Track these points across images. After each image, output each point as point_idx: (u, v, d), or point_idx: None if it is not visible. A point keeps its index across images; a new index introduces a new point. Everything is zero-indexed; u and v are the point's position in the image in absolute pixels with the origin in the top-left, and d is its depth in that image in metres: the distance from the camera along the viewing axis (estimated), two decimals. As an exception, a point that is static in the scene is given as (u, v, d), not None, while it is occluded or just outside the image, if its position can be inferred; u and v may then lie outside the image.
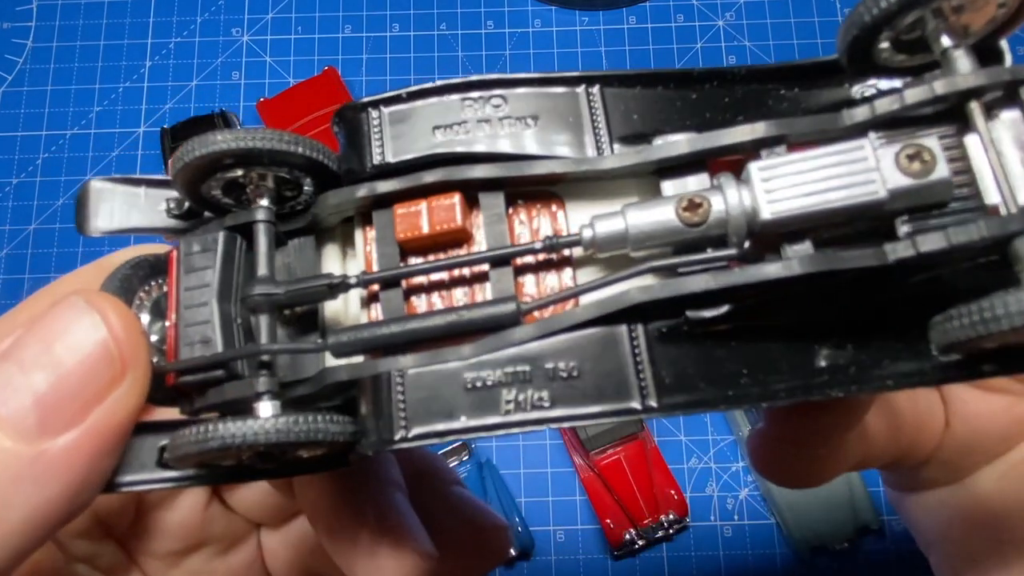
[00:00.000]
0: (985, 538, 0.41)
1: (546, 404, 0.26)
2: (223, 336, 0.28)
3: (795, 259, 0.25)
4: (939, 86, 0.25)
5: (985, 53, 0.26)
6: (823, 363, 0.27)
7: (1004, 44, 0.27)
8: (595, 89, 0.29)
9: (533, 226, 0.30)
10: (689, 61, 0.96)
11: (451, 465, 0.79)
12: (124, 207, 0.32)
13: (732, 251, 0.26)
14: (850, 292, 0.27)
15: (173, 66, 0.97)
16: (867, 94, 0.29)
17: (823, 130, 0.26)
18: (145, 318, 0.30)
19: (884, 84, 0.29)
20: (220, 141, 0.27)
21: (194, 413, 0.30)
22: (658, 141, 0.28)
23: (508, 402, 0.26)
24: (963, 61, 0.25)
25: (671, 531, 0.78)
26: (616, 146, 0.29)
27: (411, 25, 0.98)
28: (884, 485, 0.49)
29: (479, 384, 0.27)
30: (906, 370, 0.27)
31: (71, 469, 0.25)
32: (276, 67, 0.97)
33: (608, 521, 0.78)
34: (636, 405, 0.26)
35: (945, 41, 0.26)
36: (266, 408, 0.27)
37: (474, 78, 0.29)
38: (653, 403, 0.26)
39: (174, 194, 0.32)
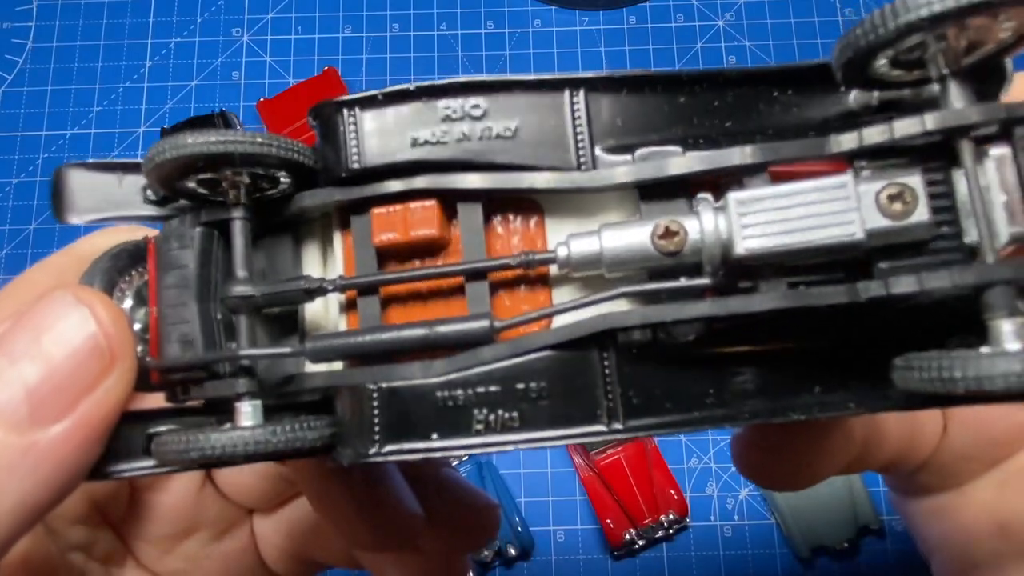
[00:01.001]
0: (985, 546, 0.40)
1: (516, 425, 0.27)
2: (203, 337, 0.28)
3: (768, 293, 0.26)
4: (930, 121, 0.24)
5: (988, 71, 0.26)
6: (788, 385, 0.28)
7: (1008, 63, 0.26)
8: (579, 94, 0.28)
9: (511, 239, 0.30)
10: (689, 61, 0.96)
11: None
12: (100, 194, 0.31)
13: (706, 280, 0.26)
14: (821, 320, 0.27)
15: (173, 66, 0.97)
16: (865, 103, 0.28)
17: (809, 155, 0.26)
18: (128, 303, 0.30)
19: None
20: (191, 144, 0.26)
21: (179, 402, 0.30)
22: (642, 151, 0.28)
23: (479, 422, 0.27)
24: (958, 92, 0.25)
25: (671, 531, 0.78)
26: (599, 153, 0.28)
27: (411, 25, 0.98)
28: (887, 488, 0.49)
29: (451, 403, 0.27)
30: (872, 395, 0.27)
31: (61, 458, 0.26)
32: (276, 67, 0.97)
33: (608, 521, 0.78)
34: (602, 427, 0.27)
35: (943, 66, 0.25)
36: (246, 410, 0.28)
37: (453, 81, 0.28)
38: (619, 425, 0.27)
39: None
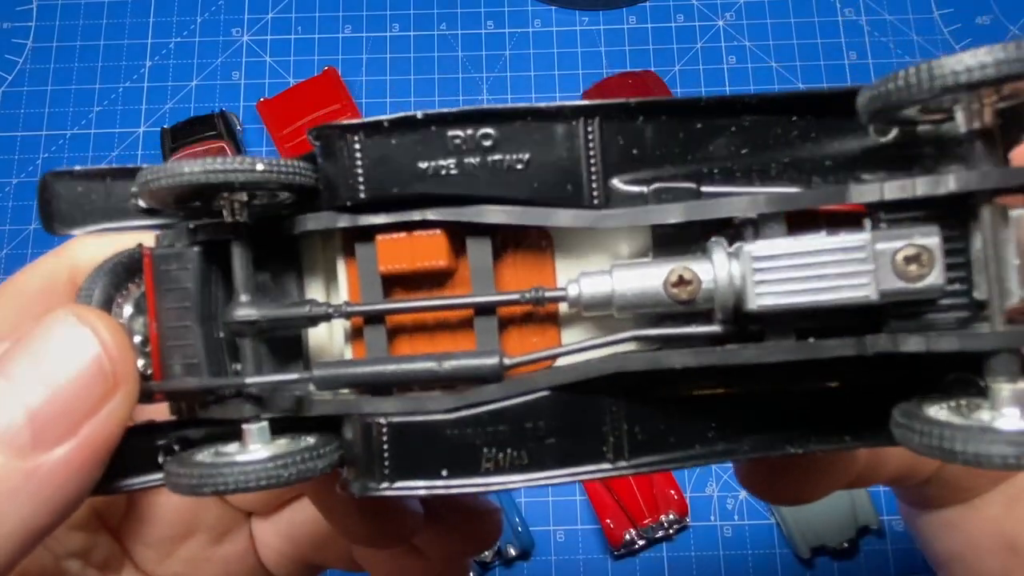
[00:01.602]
0: (994, 563, 0.40)
1: (524, 463, 0.27)
2: (208, 360, 0.28)
3: (777, 344, 0.26)
4: (953, 182, 0.24)
5: (1014, 115, 0.25)
6: (786, 420, 0.28)
7: None
8: (594, 123, 0.27)
9: (520, 271, 0.29)
10: (689, 61, 0.96)
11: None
12: (89, 203, 0.30)
13: (716, 329, 0.26)
14: (824, 364, 0.27)
15: (173, 66, 0.97)
16: (883, 133, 0.27)
17: (828, 203, 0.26)
18: (128, 310, 0.30)
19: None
20: (188, 174, 0.25)
21: (184, 416, 0.30)
22: (656, 186, 0.27)
23: (488, 460, 0.27)
24: (983, 150, 0.24)
25: (671, 531, 0.78)
26: (614, 183, 0.27)
27: (411, 25, 0.98)
28: (897, 500, 0.49)
29: (460, 442, 0.27)
30: (868, 430, 0.28)
31: (64, 481, 0.25)
32: (276, 67, 0.97)
33: (608, 521, 0.78)
34: (608, 465, 0.28)
35: (972, 121, 0.24)
36: (253, 431, 0.27)
37: (463, 109, 0.27)
38: (624, 462, 0.28)
39: None
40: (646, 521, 0.77)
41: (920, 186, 0.24)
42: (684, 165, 0.27)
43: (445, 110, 0.26)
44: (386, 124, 0.27)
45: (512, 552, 0.77)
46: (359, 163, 0.27)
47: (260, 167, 0.26)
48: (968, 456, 0.22)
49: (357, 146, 0.27)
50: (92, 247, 0.33)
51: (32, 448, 0.25)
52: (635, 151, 0.27)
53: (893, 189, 0.24)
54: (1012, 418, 0.23)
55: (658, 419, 0.28)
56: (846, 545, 0.77)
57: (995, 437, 0.22)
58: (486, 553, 0.76)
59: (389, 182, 0.27)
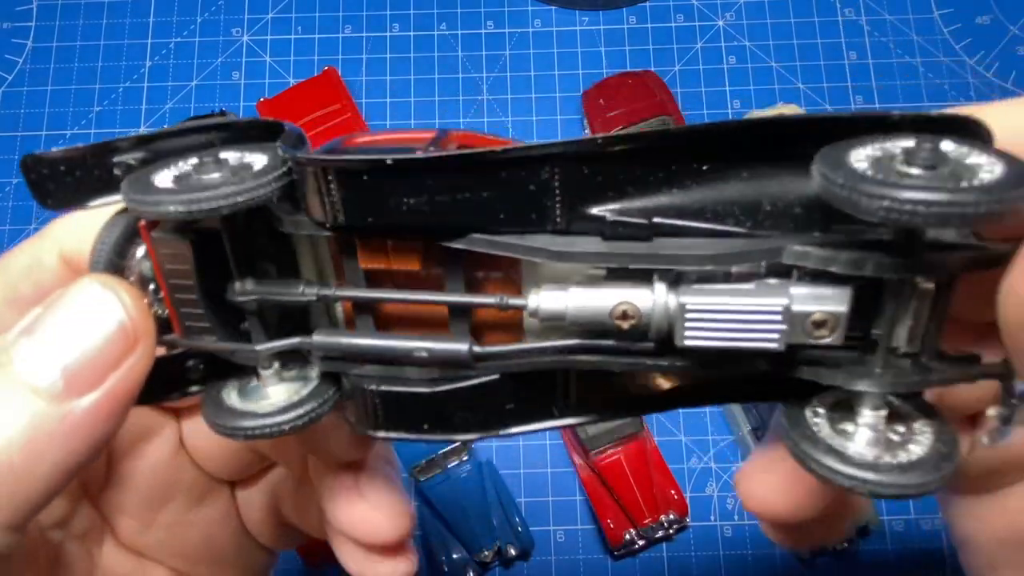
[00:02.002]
0: (1006, 553, 0.40)
1: (490, 422, 0.34)
2: (219, 325, 0.32)
3: (697, 364, 0.30)
4: (871, 267, 0.26)
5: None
6: (709, 389, 0.34)
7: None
8: (559, 162, 0.28)
9: (491, 285, 0.33)
10: (689, 61, 0.96)
11: (451, 465, 0.79)
12: (75, 182, 0.32)
13: (650, 346, 0.30)
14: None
15: (173, 66, 0.97)
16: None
17: (765, 259, 0.28)
18: (140, 252, 0.32)
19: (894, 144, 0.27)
20: (173, 212, 0.28)
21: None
22: (614, 219, 0.29)
23: (460, 420, 0.34)
24: (905, 244, 0.26)
25: (671, 531, 0.78)
26: (579, 209, 0.29)
27: (411, 25, 0.98)
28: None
29: (438, 407, 0.33)
30: (777, 396, 0.32)
31: (93, 424, 0.30)
32: (276, 67, 0.97)
33: (608, 521, 0.78)
34: (556, 422, 0.34)
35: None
36: (267, 377, 0.33)
37: (430, 156, 0.28)
38: (570, 418, 0.34)
39: (123, 158, 0.32)
40: (646, 521, 0.77)
41: (843, 263, 0.26)
42: (645, 193, 0.29)
43: (414, 157, 0.28)
44: (359, 164, 0.28)
45: (512, 552, 0.77)
46: (334, 194, 0.29)
47: (242, 199, 0.28)
48: (819, 475, 0.28)
49: (330, 180, 0.29)
50: (75, 223, 0.36)
51: (65, 395, 0.29)
52: (600, 178, 0.29)
53: (819, 259, 0.27)
54: (862, 441, 0.28)
55: (599, 386, 0.34)
56: (846, 545, 0.77)
57: (840, 464, 0.27)
58: (486, 553, 0.76)
59: (364, 213, 0.29)
